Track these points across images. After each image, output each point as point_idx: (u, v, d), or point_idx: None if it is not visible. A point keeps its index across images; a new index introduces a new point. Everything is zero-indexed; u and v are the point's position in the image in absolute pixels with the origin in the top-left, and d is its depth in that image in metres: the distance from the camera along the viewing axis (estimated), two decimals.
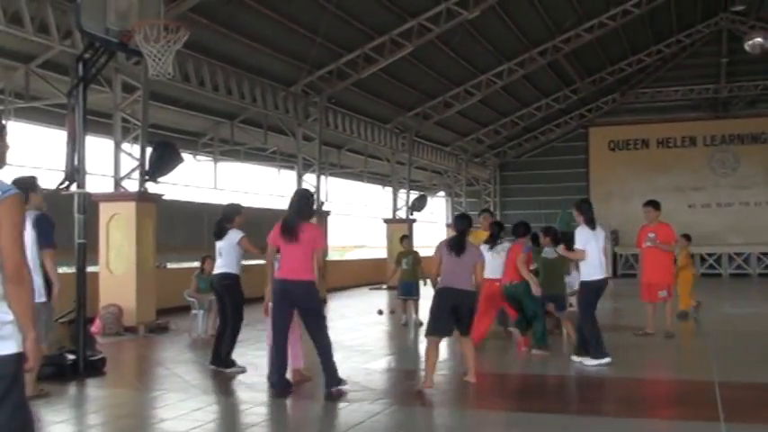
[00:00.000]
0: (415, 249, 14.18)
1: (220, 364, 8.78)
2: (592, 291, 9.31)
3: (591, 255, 9.30)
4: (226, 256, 8.87)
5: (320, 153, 20.12)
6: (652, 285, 11.76)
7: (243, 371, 8.57)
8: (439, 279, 7.84)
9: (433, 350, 7.80)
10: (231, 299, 8.84)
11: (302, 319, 7.68)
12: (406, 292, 13.64)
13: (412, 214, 26.37)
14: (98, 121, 14.93)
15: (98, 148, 15.34)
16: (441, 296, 7.77)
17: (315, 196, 7.91)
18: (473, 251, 7.92)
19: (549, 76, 26.52)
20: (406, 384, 8.22)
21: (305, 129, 19.75)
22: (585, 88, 28.78)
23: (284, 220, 7.62)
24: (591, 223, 9.52)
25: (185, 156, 15.55)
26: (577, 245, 9.35)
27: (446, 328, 7.86)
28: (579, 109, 32.02)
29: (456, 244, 7.85)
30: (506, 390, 8.26)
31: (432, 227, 34.11)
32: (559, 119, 32.41)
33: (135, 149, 14.04)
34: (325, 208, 20.34)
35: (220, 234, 9.00)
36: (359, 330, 13.04)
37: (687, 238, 14.34)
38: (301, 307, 7.52)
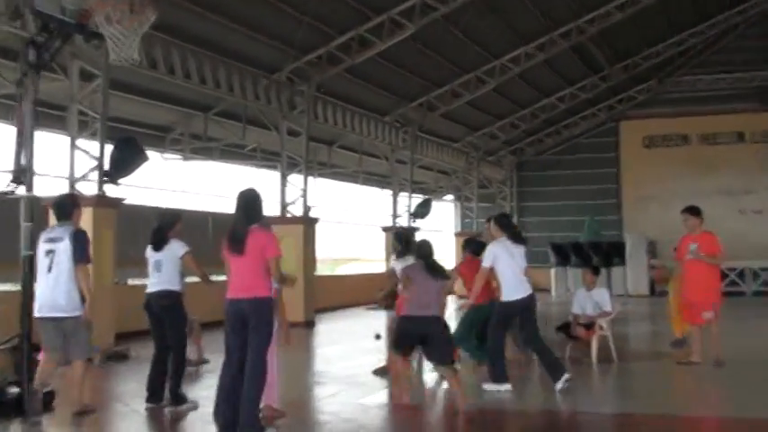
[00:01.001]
0: None
1: (160, 401, 8.67)
2: (509, 311, 9.99)
3: (505, 273, 9.97)
4: (166, 270, 8.82)
5: (307, 150, 20.09)
6: (694, 305, 11.70)
7: (195, 407, 8.48)
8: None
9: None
10: (172, 321, 8.74)
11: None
12: None
13: (415, 222, 26.35)
14: (51, 114, 14.91)
15: (50, 145, 15.32)
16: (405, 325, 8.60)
17: (261, 197, 7.65)
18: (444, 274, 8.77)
19: (573, 61, 26.53)
20: (408, 423, 8.16)
21: (290, 122, 19.73)
22: (616, 75, 28.80)
23: (230, 229, 7.46)
24: (517, 238, 10.30)
25: (151, 153, 15.53)
26: (483, 263, 10.05)
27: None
28: (609, 99, 32.05)
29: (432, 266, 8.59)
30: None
31: (438, 236, 34.08)
32: (586, 111, 32.42)
33: (93, 146, 13.99)
34: (312, 214, 20.30)
35: (160, 244, 8.94)
36: (352, 359, 12.98)
37: None
38: (250, 327, 7.23)
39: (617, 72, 28.70)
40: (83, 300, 8.30)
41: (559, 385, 9.50)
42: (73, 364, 8.51)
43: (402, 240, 11.28)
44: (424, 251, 8.84)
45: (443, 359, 8.60)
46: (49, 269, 8.36)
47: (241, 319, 7.21)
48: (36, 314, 8.38)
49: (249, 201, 7.52)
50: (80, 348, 8.46)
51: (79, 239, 8.37)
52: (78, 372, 8.51)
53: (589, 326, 12.08)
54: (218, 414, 7.26)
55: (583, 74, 28.24)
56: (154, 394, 8.75)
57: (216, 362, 11.78)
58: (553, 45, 23.47)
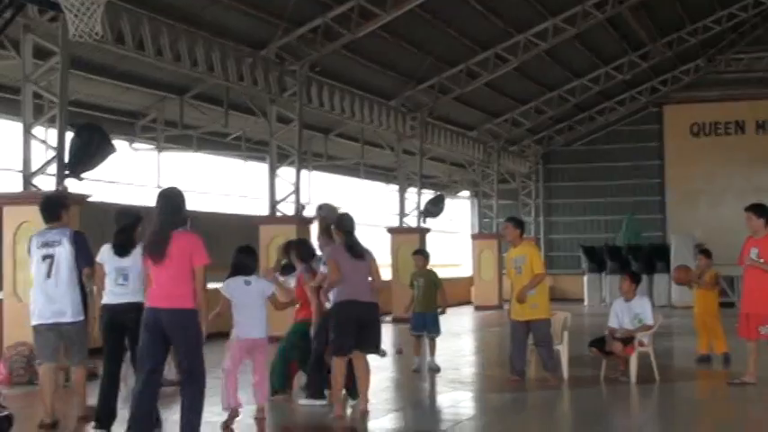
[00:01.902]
0: (430, 268, 14.20)
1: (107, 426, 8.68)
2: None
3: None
4: (133, 279, 8.71)
5: (300, 139, 20.14)
6: (751, 317, 11.72)
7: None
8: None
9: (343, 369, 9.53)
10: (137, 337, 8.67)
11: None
12: (419, 327, 13.66)
13: (425, 221, 26.38)
14: (2, 98, 14.98)
15: (2, 134, 15.38)
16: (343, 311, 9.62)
17: (185, 197, 7.92)
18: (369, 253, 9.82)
19: (609, 36, 26.54)
20: None
21: (280, 107, 19.77)
22: (659, 53, 28.81)
23: (149, 233, 7.78)
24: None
25: (118, 143, 15.58)
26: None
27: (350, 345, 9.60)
28: (650, 81, 32.07)
29: (352, 246, 9.75)
30: None
31: (451, 237, 34.16)
32: (624, 94, 32.44)
33: (51, 135, 14.04)
34: (306, 213, 20.33)
35: (126, 249, 8.81)
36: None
37: (707, 254, 14.72)
38: (176, 343, 7.65)
39: (660, 49, 28.68)
40: (84, 304, 9.05)
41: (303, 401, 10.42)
42: (76, 369, 9.30)
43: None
44: (347, 224, 9.94)
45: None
46: (48, 275, 8.89)
47: (159, 330, 7.57)
48: (35, 322, 8.99)
49: (168, 199, 7.81)
50: (82, 353, 9.21)
51: (81, 243, 9.05)
52: (81, 377, 9.36)
53: (627, 341, 12.10)
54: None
55: (620, 51, 28.24)
56: (106, 418, 8.77)
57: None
58: (586, 17, 23.47)
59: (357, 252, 9.69)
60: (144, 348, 7.70)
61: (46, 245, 8.97)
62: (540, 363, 12.22)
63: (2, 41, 12.47)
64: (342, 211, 10.30)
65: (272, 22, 18.28)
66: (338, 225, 9.95)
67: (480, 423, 10.14)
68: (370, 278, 9.84)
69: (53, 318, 8.89)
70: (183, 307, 7.51)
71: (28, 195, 13.34)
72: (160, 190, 7.99)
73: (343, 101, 21.88)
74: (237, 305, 9.27)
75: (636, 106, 33.38)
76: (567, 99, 30.08)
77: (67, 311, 8.89)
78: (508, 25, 23.17)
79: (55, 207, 9.24)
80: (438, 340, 13.79)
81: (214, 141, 22.20)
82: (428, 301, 13.68)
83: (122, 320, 8.70)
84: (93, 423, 8.78)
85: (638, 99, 32.96)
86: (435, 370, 13.39)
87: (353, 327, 9.55)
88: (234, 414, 9.38)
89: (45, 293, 8.93)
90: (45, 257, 8.89)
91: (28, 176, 13.49)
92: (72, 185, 13.39)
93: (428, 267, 14.12)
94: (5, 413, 8.94)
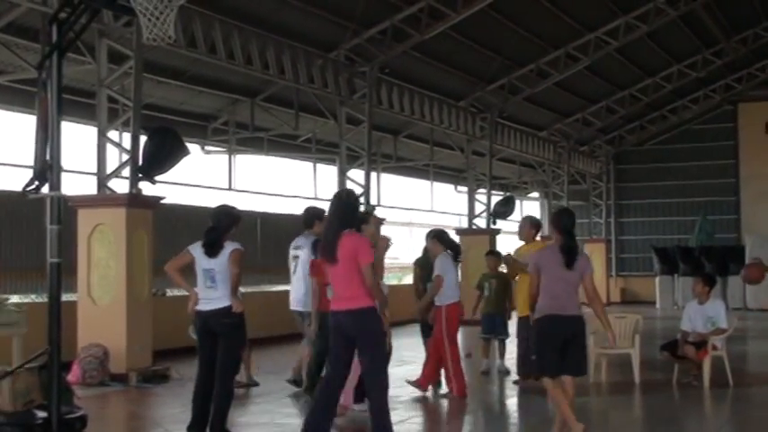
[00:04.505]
0: (501, 270, 14.15)
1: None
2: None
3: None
4: (221, 281, 8.45)
5: (370, 141, 20.21)
6: None
7: None
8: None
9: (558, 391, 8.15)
10: (230, 344, 8.50)
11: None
12: (489, 329, 13.63)
13: (495, 222, 26.29)
14: (77, 102, 15.25)
15: (77, 137, 15.65)
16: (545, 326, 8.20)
17: (359, 198, 8.13)
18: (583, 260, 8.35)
19: (682, 33, 26.20)
20: None
21: (349, 109, 19.87)
22: (733, 50, 28.37)
23: (322, 235, 8.01)
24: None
25: (191, 146, 15.75)
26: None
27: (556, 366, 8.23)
28: (725, 78, 31.56)
29: (568, 249, 8.20)
30: None
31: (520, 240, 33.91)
32: (697, 92, 32.00)
33: (125, 138, 14.26)
34: (376, 214, 20.39)
35: (214, 249, 8.55)
36: None
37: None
38: (359, 343, 7.76)
39: (734, 46, 28.26)
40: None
41: None
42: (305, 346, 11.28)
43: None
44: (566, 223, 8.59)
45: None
46: (294, 271, 11.41)
47: (343, 333, 7.75)
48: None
49: (344, 204, 7.96)
50: (307, 336, 11.08)
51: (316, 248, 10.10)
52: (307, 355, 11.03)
53: (700, 345, 11.94)
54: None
55: (693, 48, 27.86)
56: (199, 426, 8.50)
57: (266, 384, 12.04)
58: (658, 15, 23.21)
59: (571, 258, 8.23)
60: (332, 352, 8.03)
61: (295, 248, 11.43)
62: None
63: (78, 47, 12.66)
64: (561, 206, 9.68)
65: (341, 24, 18.37)
66: (555, 222, 8.57)
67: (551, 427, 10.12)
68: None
69: (294, 305, 11.34)
70: (361, 306, 7.64)
71: (102, 198, 13.56)
72: (335, 192, 8.51)
73: (413, 102, 21.90)
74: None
75: (710, 104, 32.90)
76: (638, 98, 29.77)
77: (303, 302, 11.04)
78: (579, 24, 23.00)
79: (309, 218, 11.31)
80: (506, 342, 13.75)
81: (284, 143, 22.37)
82: (499, 302, 13.65)
83: (214, 326, 8.47)
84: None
85: (712, 97, 32.46)
86: (504, 372, 13.34)
87: (556, 345, 8.16)
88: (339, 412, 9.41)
89: (293, 286, 11.44)
90: (293, 258, 11.39)
91: (102, 179, 13.69)
92: (145, 188, 13.57)
93: (498, 269, 14.07)
94: (80, 413, 9.12)
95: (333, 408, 7.89)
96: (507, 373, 13.30)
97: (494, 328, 13.61)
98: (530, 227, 12.45)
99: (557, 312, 8.14)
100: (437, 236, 11.71)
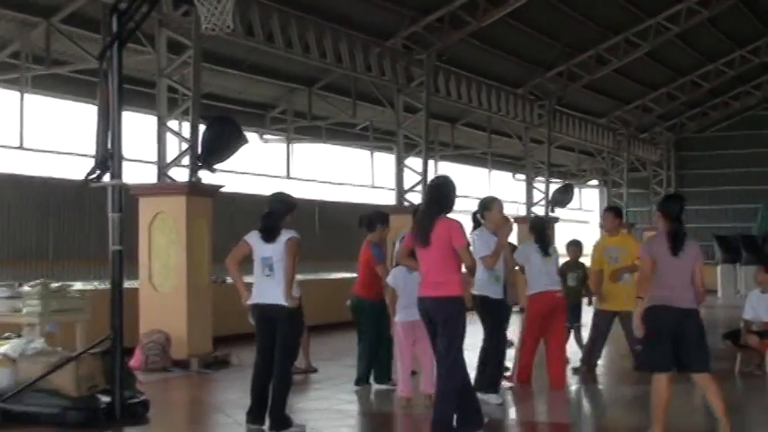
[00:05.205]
0: (581, 261, 14.04)
1: (264, 423, 8.43)
2: None
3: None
4: (279, 270, 8.35)
5: (427, 129, 20.20)
6: None
7: (302, 431, 8.39)
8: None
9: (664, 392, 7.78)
10: (288, 332, 8.47)
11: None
12: (575, 319, 13.42)
13: (553, 210, 26.18)
14: (137, 91, 15.43)
15: (137, 127, 15.84)
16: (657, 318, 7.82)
17: (455, 185, 8.23)
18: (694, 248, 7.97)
19: (744, 17, 25.80)
20: None
21: (407, 97, 19.87)
22: None
23: (416, 219, 8.25)
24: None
25: (249, 135, 15.87)
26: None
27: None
28: None
29: (674, 236, 7.85)
30: None
31: (579, 227, 33.74)
32: (760, 77, 31.51)
33: (185, 127, 14.40)
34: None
35: (272, 234, 8.44)
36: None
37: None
38: (438, 327, 7.93)
39: None
40: None
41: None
42: None
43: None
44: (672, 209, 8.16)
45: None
46: None
47: (429, 317, 7.98)
48: None
49: (439, 189, 8.17)
50: None
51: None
52: None
53: (763, 334, 11.81)
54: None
55: (756, 33, 27.41)
56: (257, 414, 8.46)
57: (324, 370, 12.13)
58: None
59: (678, 245, 7.87)
60: (430, 334, 8.14)
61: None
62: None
63: (138, 37, 12.81)
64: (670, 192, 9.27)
65: (398, 11, 18.36)
66: (662, 208, 8.12)
67: (612, 415, 10.08)
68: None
69: None
70: (447, 295, 7.82)
71: (163, 187, 13.71)
72: (432, 178, 8.77)
73: (470, 90, 21.85)
74: (403, 291, 9.47)
75: None
76: (700, 84, 29.39)
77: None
78: (639, 9, 22.75)
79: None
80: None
81: (342, 132, 22.45)
82: (580, 293, 13.56)
83: (271, 314, 8.39)
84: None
85: None
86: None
87: (668, 338, 7.73)
88: (403, 403, 9.59)
89: None
90: None
91: (162, 168, 13.83)
92: (205, 177, 13.70)
93: (580, 259, 13.95)
94: (142, 398, 9.28)
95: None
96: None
97: (578, 317, 13.49)
98: (613, 217, 12.29)
99: (667, 303, 7.73)
100: (532, 224, 11.69)
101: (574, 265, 13.61)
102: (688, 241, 7.89)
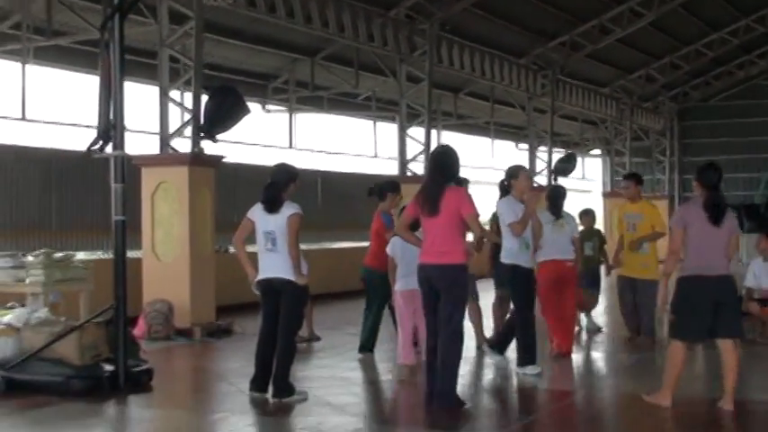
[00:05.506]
0: (597, 228, 14.09)
1: (267, 391, 8.50)
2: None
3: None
4: (282, 244, 8.36)
5: (430, 99, 20.18)
6: None
7: (305, 398, 8.46)
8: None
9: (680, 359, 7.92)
10: (293, 302, 8.53)
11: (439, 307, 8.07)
12: (593, 283, 13.39)
13: (556, 179, 26.15)
14: (139, 62, 15.43)
15: (140, 97, 15.85)
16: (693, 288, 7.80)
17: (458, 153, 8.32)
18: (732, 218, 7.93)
19: None
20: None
21: (409, 66, 19.82)
22: None
23: (422, 188, 8.18)
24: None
25: (252, 105, 15.87)
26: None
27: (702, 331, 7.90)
28: None
29: (713, 205, 7.80)
30: None
31: (582, 197, 33.75)
32: (765, 46, 31.38)
33: (187, 98, 14.41)
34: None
35: (274, 205, 8.45)
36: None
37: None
38: (441, 294, 7.98)
39: None
40: None
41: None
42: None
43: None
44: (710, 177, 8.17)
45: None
46: None
47: (429, 285, 8.03)
48: None
49: (443, 158, 8.20)
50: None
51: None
52: None
53: (765, 302, 11.86)
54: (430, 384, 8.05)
55: (761, 2, 27.25)
56: (260, 382, 8.55)
57: (327, 339, 12.19)
58: None
59: (719, 215, 7.83)
60: (424, 305, 8.23)
61: None
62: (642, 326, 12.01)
63: (139, 8, 12.79)
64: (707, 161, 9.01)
65: None
66: (700, 177, 8.12)
67: (611, 383, 10.15)
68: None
69: None
70: (453, 262, 7.92)
71: (165, 157, 13.72)
72: (435, 147, 8.76)
73: (473, 59, 21.80)
74: (402, 260, 9.56)
75: None
76: (704, 53, 29.28)
77: None
78: None
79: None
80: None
81: (345, 102, 22.43)
82: (598, 260, 13.62)
83: (278, 289, 8.43)
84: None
85: None
86: (596, 330, 13.30)
87: (705, 308, 7.71)
88: (404, 371, 9.70)
89: None
90: None
91: (165, 138, 13.84)
92: (207, 147, 13.71)
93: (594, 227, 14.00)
94: (146, 366, 9.35)
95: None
96: (600, 329, 13.28)
97: (597, 283, 13.47)
98: (635, 184, 12.31)
99: (703, 273, 7.70)
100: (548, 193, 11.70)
101: (588, 233, 13.60)
102: (727, 212, 7.88)
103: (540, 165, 26.10)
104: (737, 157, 33.22)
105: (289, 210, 8.38)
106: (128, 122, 9.58)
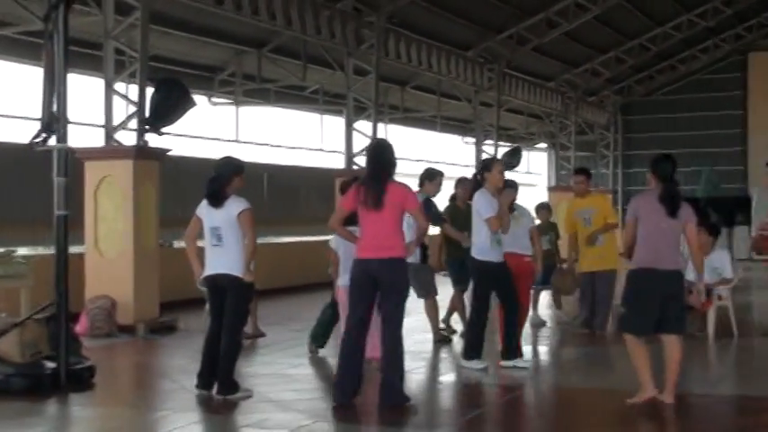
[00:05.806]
0: (553, 222, 14.15)
1: (213, 388, 8.42)
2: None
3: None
4: (228, 241, 8.37)
5: (377, 92, 20.15)
6: None
7: (249, 395, 8.40)
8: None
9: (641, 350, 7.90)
10: (240, 297, 8.46)
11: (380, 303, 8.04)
12: (545, 280, 13.25)
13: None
14: (84, 53, 15.19)
15: (84, 89, 15.64)
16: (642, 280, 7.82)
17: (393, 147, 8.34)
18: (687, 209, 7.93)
19: None
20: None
21: (357, 59, 19.78)
22: None
23: (364, 182, 8.04)
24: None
25: (198, 98, 15.72)
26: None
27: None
28: (735, 27, 31.31)
29: (670, 197, 7.81)
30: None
31: (528, 191, 33.94)
32: (707, 41, 31.77)
33: (132, 90, 14.22)
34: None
35: (218, 199, 8.40)
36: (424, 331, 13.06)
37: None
38: (383, 289, 7.94)
39: None
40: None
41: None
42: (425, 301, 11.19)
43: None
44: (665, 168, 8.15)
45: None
46: None
47: (367, 280, 7.93)
48: None
49: (383, 152, 8.21)
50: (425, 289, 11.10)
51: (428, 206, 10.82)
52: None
53: (705, 295, 11.97)
54: (340, 385, 8.01)
55: None
56: (205, 379, 8.46)
57: (272, 335, 12.12)
58: None
59: (675, 206, 7.83)
60: (352, 300, 8.09)
61: None
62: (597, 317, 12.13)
63: None
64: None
65: None
66: (654, 169, 8.10)
67: (556, 377, 10.21)
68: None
69: None
70: (396, 256, 7.89)
71: (109, 150, 13.57)
72: (371, 143, 8.60)
73: (420, 52, 21.79)
74: (345, 255, 9.35)
75: (719, 54, 32.68)
76: (647, 48, 29.55)
77: None
78: None
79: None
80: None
81: (292, 95, 22.32)
82: (554, 254, 13.67)
83: (223, 285, 8.37)
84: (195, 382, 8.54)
85: (722, 47, 32.22)
86: (541, 325, 13.29)
87: (653, 302, 7.75)
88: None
89: None
90: None
91: (109, 131, 13.69)
92: (152, 140, 13.58)
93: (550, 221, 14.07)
94: (87, 364, 9.23)
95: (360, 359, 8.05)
96: (544, 324, 13.32)
97: (548, 280, 13.43)
98: (586, 179, 12.38)
99: (654, 266, 7.72)
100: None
101: (545, 227, 13.69)
102: (683, 203, 7.89)
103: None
104: (679, 152, 33.42)
105: (236, 204, 8.34)
106: (71, 115, 9.45)
